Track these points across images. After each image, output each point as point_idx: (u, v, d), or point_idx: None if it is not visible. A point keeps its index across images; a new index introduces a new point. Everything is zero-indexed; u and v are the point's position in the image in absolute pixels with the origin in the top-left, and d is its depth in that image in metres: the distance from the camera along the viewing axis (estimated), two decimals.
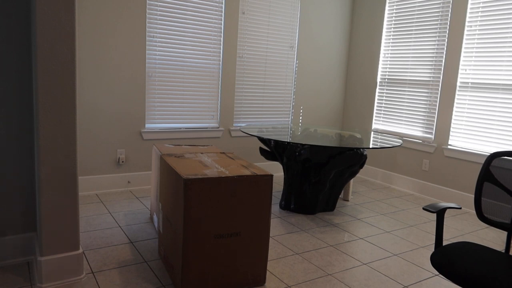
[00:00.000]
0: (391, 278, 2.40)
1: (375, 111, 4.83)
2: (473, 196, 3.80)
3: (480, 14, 3.71)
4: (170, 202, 2.18)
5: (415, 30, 4.30)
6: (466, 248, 1.80)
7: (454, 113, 3.95)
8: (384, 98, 4.70)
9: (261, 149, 3.67)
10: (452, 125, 3.97)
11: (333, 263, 2.55)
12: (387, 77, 4.64)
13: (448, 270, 1.66)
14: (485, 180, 1.89)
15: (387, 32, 4.64)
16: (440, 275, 2.47)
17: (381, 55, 4.70)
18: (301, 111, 4.90)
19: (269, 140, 3.40)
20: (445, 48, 4.00)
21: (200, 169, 2.11)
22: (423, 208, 1.78)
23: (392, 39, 4.57)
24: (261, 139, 3.55)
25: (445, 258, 1.73)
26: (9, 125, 2.19)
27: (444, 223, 3.44)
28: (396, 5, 4.51)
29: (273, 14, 4.46)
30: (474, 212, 3.76)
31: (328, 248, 2.77)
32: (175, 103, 4.00)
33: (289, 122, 4.83)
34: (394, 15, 4.55)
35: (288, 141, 3.09)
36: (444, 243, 2.98)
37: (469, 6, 3.78)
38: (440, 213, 1.81)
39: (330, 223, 3.25)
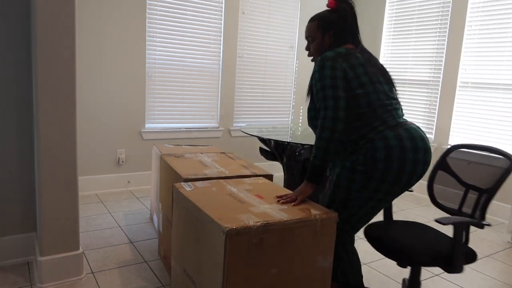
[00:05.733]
0: (391, 278, 2.39)
1: None
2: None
3: (480, 14, 3.71)
4: (169, 201, 2.18)
5: (415, 30, 4.30)
6: (406, 225, 1.96)
7: (454, 112, 3.95)
8: None
9: (261, 149, 3.67)
10: (452, 124, 3.97)
11: None
12: None
13: (378, 242, 1.78)
14: (439, 168, 2.01)
15: (387, 32, 4.63)
16: (440, 275, 2.47)
17: (381, 55, 4.70)
18: (301, 111, 4.89)
19: (269, 140, 3.40)
20: (445, 48, 4.00)
21: (200, 169, 2.11)
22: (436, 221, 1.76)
23: (392, 39, 4.57)
24: (261, 139, 3.55)
25: (379, 231, 1.83)
26: (9, 125, 2.19)
27: None
28: (396, 5, 4.51)
29: (273, 14, 4.45)
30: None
31: None
32: (175, 103, 4.00)
33: (289, 122, 4.83)
34: (394, 15, 4.54)
35: (288, 141, 3.09)
36: None
37: (469, 6, 3.78)
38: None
39: None
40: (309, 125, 1.79)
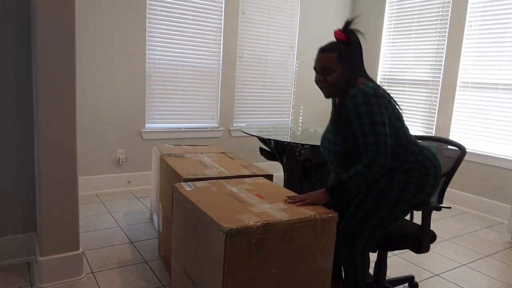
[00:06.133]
0: (390, 278, 2.39)
1: None
2: (473, 195, 3.80)
3: (480, 14, 3.71)
4: (169, 201, 2.18)
5: (415, 30, 4.30)
6: None
7: (454, 113, 3.95)
8: None
9: (261, 149, 3.67)
10: (452, 125, 3.97)
11: None
12: (387, 77, 4.64)
13: None
14: None
15: (387, 32, 4.64)
16: (440, 275, 2.47)
17: (381, 55, 4.70)
18: (301, 111, 4.90)
19: (269, 140, 3.40)
20: (445, 48, 4.00)
21: (200, 169, 2.11)
22: None
23: (392, 39, 4.57)
24: (261, 139, 3.55)
25: None
26: (9, 124, 2.19)
27: (444, 223, 3.44)
28: (396, 5, 4.51)
29: (273, 14, 4.46)
30: (475, 212, 3.76)
31: None
32: (175, 103, 4.00)
33: (289, 122, 4.83)
34: (394, 15, 4.55)
35: (288, 141, 3.09)
36: (444, 243, 2.98)
37: (469, 6, 3.78)
38: None
39: None
40: (330, 159, 1.76)
